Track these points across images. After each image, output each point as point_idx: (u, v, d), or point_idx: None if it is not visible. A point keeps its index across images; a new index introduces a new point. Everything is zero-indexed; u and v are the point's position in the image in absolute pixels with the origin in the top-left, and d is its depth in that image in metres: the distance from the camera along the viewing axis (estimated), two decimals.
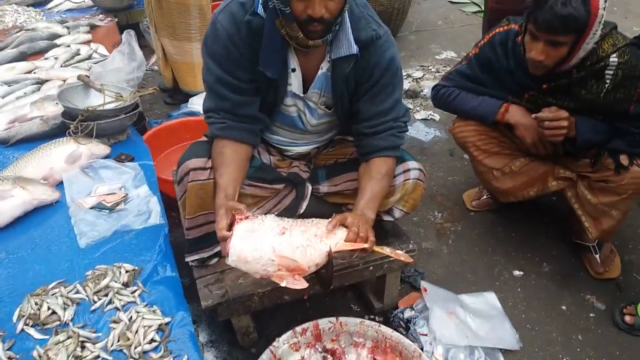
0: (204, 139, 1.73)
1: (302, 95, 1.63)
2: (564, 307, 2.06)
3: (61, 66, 2.97)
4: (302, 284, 1.33)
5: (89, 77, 2.51)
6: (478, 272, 2.22)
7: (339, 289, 2.04)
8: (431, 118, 3.37)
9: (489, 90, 2.06)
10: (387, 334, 1.77)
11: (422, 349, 1.78)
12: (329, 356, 1.76)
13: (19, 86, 2.75)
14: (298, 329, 1.78)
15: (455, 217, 2.54)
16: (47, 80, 2.83)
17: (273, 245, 1.33)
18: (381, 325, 1.80)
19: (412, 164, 1.72)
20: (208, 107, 1.63)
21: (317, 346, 1.78)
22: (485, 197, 2.55)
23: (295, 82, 1.60)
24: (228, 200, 1.45)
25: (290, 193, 1.84)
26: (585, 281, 2.17)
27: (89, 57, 3.08)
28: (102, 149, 2.22)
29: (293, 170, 1.83)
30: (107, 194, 2.02)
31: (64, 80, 2.77)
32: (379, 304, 2.01)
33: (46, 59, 3.08)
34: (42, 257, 1.80)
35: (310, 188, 1.84)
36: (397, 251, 1.50)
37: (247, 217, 1.38)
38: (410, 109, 3.55)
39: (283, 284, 1.32)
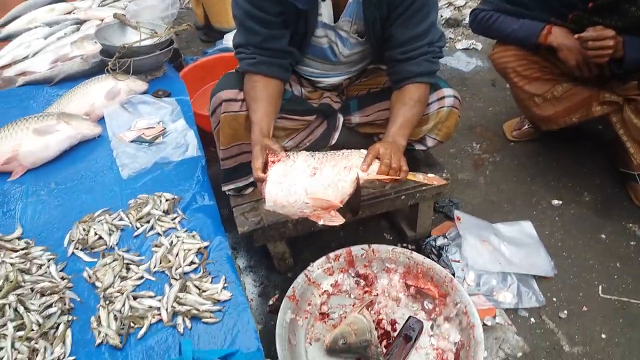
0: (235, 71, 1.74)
1: (333, 24, 1.59)
2: (603, 236, 2.02)
3: (99, 6, 3.01)
4: (339, 220, 1.36)
5: (124, 15, 2.54)
6: (515, 201, 2.19)
7: (371, 218, 2.07)
8: (473, 47, 3.23)
9: (530, 12, 1.94)
10: (418, 260, 1.80)
11: (453, 275, 1.81)
12: (361, 280, 1.82)
13: (59, 27, 2.82)
14: (332, 255, 1.84)
15: (494, 147, 2.48)
16: (85, 20, 2.89)
17: (306, 188, 1.34)
18: (413, 252, 1.83)
19: (447, 91, 1.67)
20: (238, 42, 1.62)
21: (350, 271, 1.84)
22: (526, 126, 2.47)
23: (325, 11, 1.56)
24: (263, 137, 1.46)
25: (321, 124, 1.84)
26: (628, 210, 2.11)
27: None
28: (140, 84, 2.28)
29: (324, 101, 1.82)
30: (146, 128, 2.09)
31: (102, 20, 2.82)
32: (411, 232, 2.03)
33: None
34: (87, 187, 1.92)
35: (341, 119, 1.83)
36: (429, 175, 1.48)
37: (279, 160, 1.39)
38: (451, 38, 3.44)
39: (320, 222, 1.36)
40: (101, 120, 2.18)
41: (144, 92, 2.29)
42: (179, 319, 1.44)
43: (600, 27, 1.75)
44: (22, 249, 1.66)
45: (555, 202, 2.17)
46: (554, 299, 1.81)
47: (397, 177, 1.38)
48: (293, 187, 1.34)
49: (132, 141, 2.04)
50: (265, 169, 1.39)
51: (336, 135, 1.83)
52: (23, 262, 1.60)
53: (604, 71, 1.94)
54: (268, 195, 1.35)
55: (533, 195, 2.21)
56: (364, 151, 1.43)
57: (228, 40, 3.15)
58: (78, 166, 2.00)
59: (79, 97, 2.18)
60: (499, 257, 1.87)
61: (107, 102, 2.18)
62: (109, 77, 2.24)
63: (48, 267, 1.60)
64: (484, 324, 1.63)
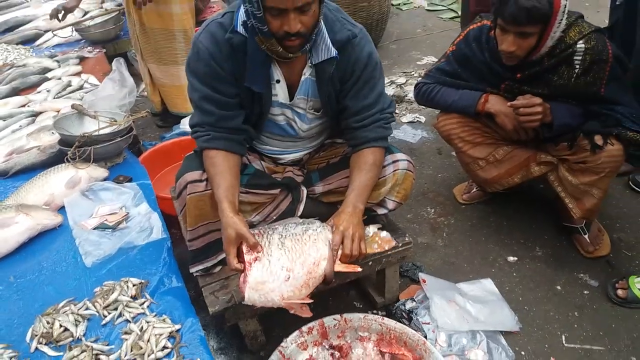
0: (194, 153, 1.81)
1: (288, 103, 1.71)
2: (558, 287, 2.13)
3: (54, 98, 3.04)
4: (308, 314, 1.53)
5: (82, 105, 2.59)
6: (473, 261, 2.29)
7: (340, 287, 2.10)
8: (417, 120, 3.46)
9: (468, 83, 2.16)
10: (390, 325, 1.82)
11: (425, 337, 1.84)
12: (336, 352, 1.81)
13: (14, 120, 2.81)
14: (304, 328, 1.83)
15: (447, 211, 2.61)
16: (41, 112, 2.90)
17: (282, 293, 1.50)
18: (384, 317, 1.86)
19: (400, 155, 1.81)
20: (194, 122, 1.72)
21: (324, 343, 1.83)
22: (474, 189, 2.63)
23: (280, 92, 1.69)
24: (235, 215, 1.54)
25: (286, 198, 1.91)
26: (577, 261, 2.25)
27: (81, 88, 3.16)
28: (101, 172, 2.29)
29: (287, 174, 1.90)
30: (109, 214, 2.07)
31: (58, 111, 2.84)
32: (380, 298, 2.07)
33: (39, 92, 3.15)
34: (49, 278, 1.85)
35: (305, 191, 1.90)
36: (382, 236, 1.70)
37: (255, 258, 1.52)
38: (397, 113, 3.67)
39: (292, 312, 1.52)
40: (62, 210, 2.15)
41: (105, 179, 2.29)
42: None
43: (529, 95, 1.97)
44: None
45: (511, 258, 2.29)
46: (522, 353, 1.87)
47: (358, 270, 1.59)
48: (270, 294, 1.50)
49: (94, 228, 2.02)
50: (239, 257, 1.50)
51: (301, 207, 1.89)
52: None
53: (538, 134, 2.14)
54: (247, 298, 1.51)
55: (489, 254, 2.33)
56: (328, 228, 1.60)
57: (185, 124, 3.23)
58: (38, 257, 1.94)
59: (38, 188, 2.16)
60: (466, 315, 1.93)
61: (68, 190, 2.17)
62: (69, 166, 2.24)
63: None
64: None
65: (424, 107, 3.63)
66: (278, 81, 1.66)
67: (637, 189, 2.53)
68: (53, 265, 1.91)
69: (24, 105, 2.98)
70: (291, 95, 1.71)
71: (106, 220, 2.05)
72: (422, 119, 3.47)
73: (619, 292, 2.03)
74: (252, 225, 1.79)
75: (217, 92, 1.64)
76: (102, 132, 2.36)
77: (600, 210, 2.16)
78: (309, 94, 1.70)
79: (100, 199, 2.18)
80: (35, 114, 2.89)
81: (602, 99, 1.93)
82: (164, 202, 2.34)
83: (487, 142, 2.24)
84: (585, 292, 2.10)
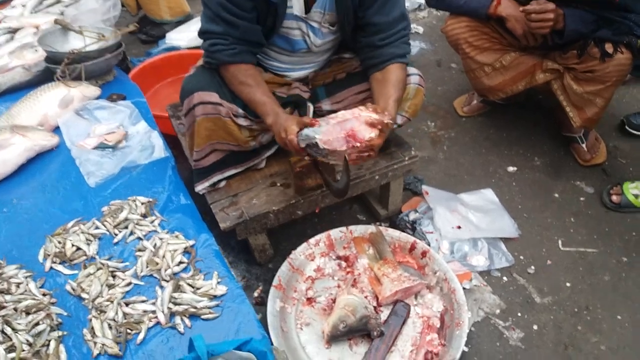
0: (201, 63, 1.73)
1: (304, 16, 1.62)
2: (556, 195, 2.19)
3: (30, 13, 2.85)
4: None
5: (65, 20, 2.44)
6: (474, 172, 2.33)
7: (345, 202, 2.13)
8: (415, 31, 3.35)
9: None
10: (395, 235, 1.88)
11: (429, 245, 1.90)
12: (342, 262, 1.87)
13: None
14: (312, 240, 1.88)
15: (448, 124, 2.61)
16: (18, 29, 2.73)
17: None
18: (388, 228, 1.91)
19: (412, 69, 1.76)
20: (215, 30, 1.58)
21: (330, 254, 1.89)
22: (475, 101, 2.61)
23: (296, 3, 1.59)
24: (287, 115, 1.56)
25: (292, 114, 1.86)
26: (575, 169, 2.30)
27: (58, 1, 2.95)
28: (93, 90, 2.21)
29: (294, 92, 1.84)
30: (107, 134, 2.03)
31: (37, 27, 2.68)
32: (384, 211, 2.11)
33: (13, 7, 2.94)
34: (54, 199, 1.84)
35: (312, 107, 1.86)
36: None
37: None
38: None
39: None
40: (57, 130, 2.09)
41: (98, 98, 2.21)
42: (177, 319, 1.44)
43: (542, 0, 1.90)
44: None
45: (511, 168, 2.33)
46: (521, 257, 1.95)
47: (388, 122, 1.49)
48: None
49: (94, 148, 1.98)
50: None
51: None
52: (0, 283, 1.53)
53: (547, 41, 2.09)
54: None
55: (489, 165, 2.36)
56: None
57: (171, 39, 3.09)
58: (40, 179, 1.92)
59: (30, 108, 2.08)
60: (468, 224, 1.99)
61: (61, 110, 2.09)
62: (59, 85, 2.14)
63: (27, 284, 1.54)
64: (462, 288, 1.73)
65: (422, 17, 3.52)
66: None
67: (632, 131, 2.45)
68: (56, 187, 1.89)
69: None
70: (307, 8, 1.62)
71: (105, 139, 2.01)
72: (420, 29, 3.36)
73: (614, 197, 2.10)
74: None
75: (235, 5, 1.54)
76: (90, 48, 2.25)
77: (600, 119, 2.17)
78: (326, 7, 1.62)
79: (95, 118, 2.13)
80: (13, 31, 2.72)
81: (616, 5, 1.87)
82: (160, 121, 2.28)
83: (495, 47, 2.20)
84: (582, 198, 2.16)
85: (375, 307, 1.71)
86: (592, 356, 1.64)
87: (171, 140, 2.12)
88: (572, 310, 1.77)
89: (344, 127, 1.45)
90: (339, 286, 1.79)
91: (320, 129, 1.45)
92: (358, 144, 1.45)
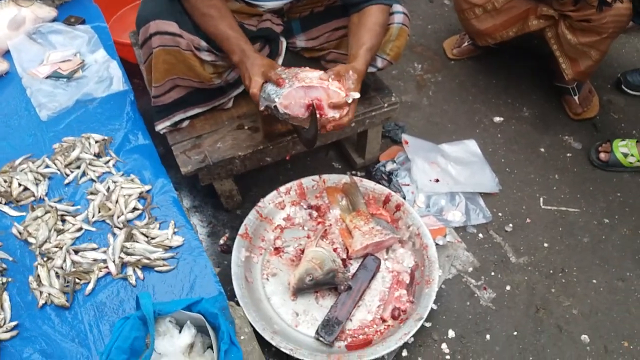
0: None
1: None
2: (542, 149, 2.09)
3: None
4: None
5: None
6: (458, 121, 2.20)
7: (320, 148, 2.01)
8: None
9: None
10: (369, 186, 1.78)
11: (404, 198, 1.82)
12: (314, 212, 1.79)
13: None
14: (282, 188, 1.78)
15: (435, 67, 2.44)
16: None
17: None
18: (363, 179, 1.81)
19: (396, 7, 1.57)
20: None
21: (302, 203, 1.80)
22: (466, 43, 2.44)
23: None
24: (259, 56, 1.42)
25: (262, 50, 1.69)
26: (564, 123, 2.18)
27: None
28: (48, 11, 2.00)
29: (264, 25, 1.66)
30: (62, 62, 1.85)
31: None
32: (360, 159, 1.99)
33: None
34: (1, 133, 1.69)
35: (285, 43, 1.69)
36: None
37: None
38: None
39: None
40: (7, 55, 1.90)
41: (54, 20, 2.01)
42: (129, 270, 1.35)
43: None
44: None
45: (497, 119, 2.20)
46: (500, 214, 1.88)
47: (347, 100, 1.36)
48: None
49: (47, 77, 1.80)
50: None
51: (280, 61, 1.70)
52: None
53: None
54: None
55: (475, 114, 2.23)
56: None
57: None
58: None
59: None
60: (446, 177, 1.90)
61: (11, 32, 1.90)
62: (10, 3, 1.94)
63: None
64: (436, 244, 1.67)
65: None
66: None
67: (628, 90, 2.29)
68: (3, 118, 1.74)
69: None
70: None
71: (59, 68, 1.83)
72: None
73: (602, 155, 2.00)
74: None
75: None
76: None
77: (594, 72, 2.03)
78: None
79: (50, 43, 1.93)
80: None
81: None
82: (123, 49, 2.10)
83: None
84: (568, 154, 2.06)
85: (344, 260, 1.65)
86: (562, 320, 1.60)
87: (136, 71, 1.94)
88: (547, 272, 1.72)
89: (309, 95, 1.33)
90: (308, 236, 1.72)
91: (282, 91, 1.32)
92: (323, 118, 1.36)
